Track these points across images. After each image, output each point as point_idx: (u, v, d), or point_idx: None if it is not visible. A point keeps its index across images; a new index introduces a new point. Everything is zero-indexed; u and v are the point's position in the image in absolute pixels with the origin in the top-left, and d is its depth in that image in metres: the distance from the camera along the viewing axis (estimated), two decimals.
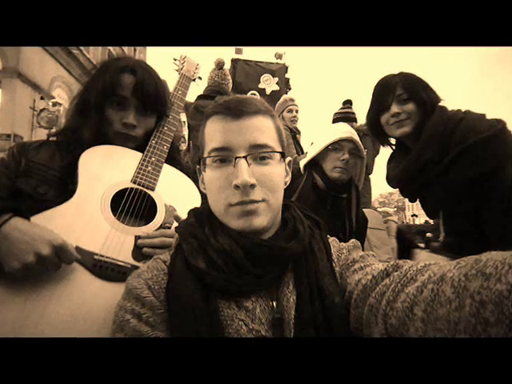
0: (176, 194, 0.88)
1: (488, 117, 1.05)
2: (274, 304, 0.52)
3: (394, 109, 1.10)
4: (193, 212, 0.63)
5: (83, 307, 0.64)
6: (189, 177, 0.94)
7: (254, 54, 4.94)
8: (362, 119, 2.75)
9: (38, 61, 7.20)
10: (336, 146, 1.29)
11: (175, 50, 1.25)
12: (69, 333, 0.61)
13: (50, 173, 0.79)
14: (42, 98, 7.18)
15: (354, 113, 2.87)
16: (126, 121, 0.85)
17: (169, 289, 0.51)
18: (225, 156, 0.55)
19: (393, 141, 1.27)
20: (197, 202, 0.88)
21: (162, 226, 0.79)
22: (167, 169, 0.90)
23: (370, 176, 2.73)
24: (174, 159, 0.95)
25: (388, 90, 1.12)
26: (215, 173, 0.56)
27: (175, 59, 1.16)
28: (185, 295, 0.50)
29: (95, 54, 9.55)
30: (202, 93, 2.32)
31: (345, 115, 2.80)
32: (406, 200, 1.49)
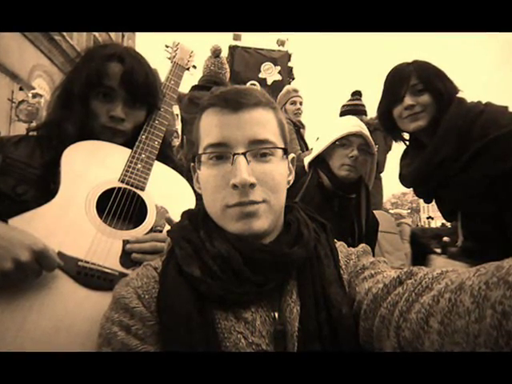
0: (168, 194, 0.88)
1: (511, 109, 1.05)
2: (276, 315, 0.52)
3: (408, 101, 1.10)
4: (186, 214, 0.63)
5: (66, 318, 0.64)
6: (182, 175, 0.94)
7: (253, 40, 4.94)
8: (372, 112, 2.76)
9: (16, 48, 7.20)
10: (344, 141, 1.29)
11: (167, 36, 1.25)
12: (50, 346, 0.61)
13: (30, 171, 0.79)
14: (20, 89, 7.17)
15: (363, 105, 2.87)
16: (113, 114, 0.85)
17: (160, 298, 0.51)
18: (222, 152, 0.55)
19: (406, 136, 1.27)
20: (191, 203, 0.88)
21: (152, 230, 0.79)
22: (158, 167, 0.90)
23: (382, 174, 2.73)
24: (165, 156, 0.95)
25: (401, 80, 1.12)
26: (211, 171, 0.56)
27: (167, 46, 1.16)
28: (178, 305, 0.49)
29: (79, 41, 9.54)
30: (196, 83, 2.32)
31: (354, 108, 2.80)
32: (421, 201, 1.49)
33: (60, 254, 0.68)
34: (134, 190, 0.83)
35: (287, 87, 3.00)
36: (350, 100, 2.92)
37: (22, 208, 0.71)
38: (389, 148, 2.72)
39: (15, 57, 7.21)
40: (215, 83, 2.21)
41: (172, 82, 1.05)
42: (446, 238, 1.59)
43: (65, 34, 8.57)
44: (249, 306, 0.52)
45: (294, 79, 5.02)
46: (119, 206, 0.79)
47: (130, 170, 0.84)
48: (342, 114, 2.80)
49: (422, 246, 1.79)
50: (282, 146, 0.58)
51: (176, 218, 0.69)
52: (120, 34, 11.88)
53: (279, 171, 0.57)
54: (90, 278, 0.69)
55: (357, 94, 2.93)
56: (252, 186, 0.52)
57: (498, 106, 1.07)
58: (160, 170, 0.90)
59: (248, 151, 0.54)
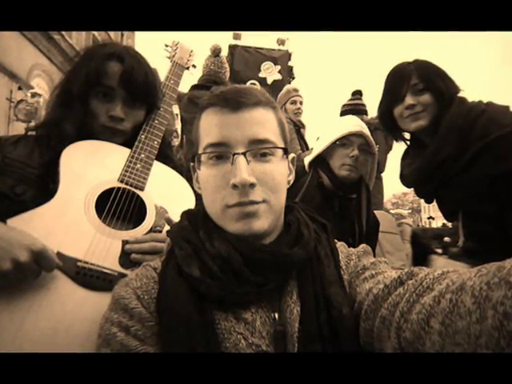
0: (168, 194, 0.88)
1: None
2: (276, 316, 0.52)
3: (409, 100, 1.10)
4: (186, 214, 0.63)
5: (65, 319, 0.64)
6: (182, 175, 0.94)
7: (253, 39, 4.95)
8: (373, 112, 2.76)
9: (15, 47, 7.21)
10: (344, 141, 1.28)
11: (167, 36, 1.26)
12: (49, 347, 0.61)
13: (29, 171, 0.79)
14: (19, 89, 7.18)
15: (364, 105, 2.88)
16: (112, 113, 0.85)
17: (160, 299, 0.51)
18: (222, 152, 0.55)
19: (407, 135, 1.27)
20: (191, 203, 0.88)
21: (152, 230, 0.79)
22: (158, 166, 0.90)
23: (382, 174, 2.73)
24: (165, 156, 0.95)
25: (402, 79, 1.12)
26: (211, 171, 0.56)
27: (167, 45, 1.16)
28: (177, 306, 0.50)
29: (78, 40, 9.55)
30: (196, 82, 2.32)
31: (354, 107, 2.80)
32: (422, 201, 1.50)
33: (59, 254, 0.68)
34: (133, 189, 0.83)
35: (287, 87, 3.00)
36: (350, 99, 2.92)
37: (20, 208, 0.71)
38: (389, 148, 2.72)
39: (14, 56, 7.21)
40: (215, 82, 2.21)
41: (172, 82, 1.05)
42: (446, 239, 1.59)
43: (64, 33, 8.57)
44: (249, 307, 0.52)
45: (294, 78, 5.03)
46: (118, 206, 0.79)
47: (130, 169, 0.84)
48: (343, 113, 2.80)
49: (422, 246, 1.78)
50: (282, 146, 0.58)
51: (176, 218, 0.69)
52: (119, 33, 11.89)
53: (279, 171, 0.57)
54: (89, 278, 0.69)
55: (357, 94, 2.94)
56: (252, 186, 0.52)
57: (499, 106, 1.07)
58: (159, 170, 0.90)
59: (248, 151, 0.54)
